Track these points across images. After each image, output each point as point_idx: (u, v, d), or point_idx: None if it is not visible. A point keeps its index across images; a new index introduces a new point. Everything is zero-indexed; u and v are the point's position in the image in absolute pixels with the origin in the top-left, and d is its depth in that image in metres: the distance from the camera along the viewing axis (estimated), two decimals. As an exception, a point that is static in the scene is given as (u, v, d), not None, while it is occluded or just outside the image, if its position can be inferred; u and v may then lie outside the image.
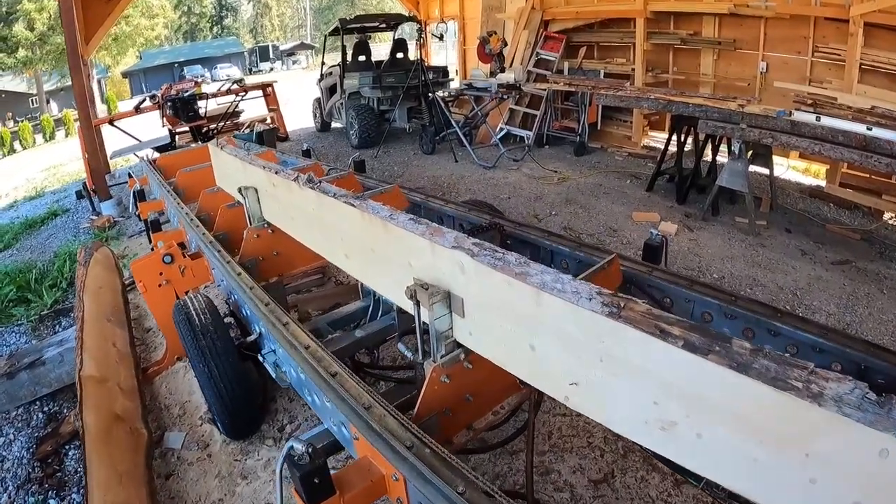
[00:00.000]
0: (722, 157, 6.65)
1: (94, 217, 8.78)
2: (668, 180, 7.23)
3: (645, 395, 1.23)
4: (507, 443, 2.41)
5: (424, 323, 1.68)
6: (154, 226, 4.50)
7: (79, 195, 9.93)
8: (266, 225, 3.28)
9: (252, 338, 2.56)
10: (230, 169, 3.71)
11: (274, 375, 2.23)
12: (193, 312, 2.72)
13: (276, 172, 2.80)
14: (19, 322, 5.85)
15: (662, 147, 7.24)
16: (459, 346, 1.69)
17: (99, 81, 32.87)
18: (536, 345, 1.39)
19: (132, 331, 4.35)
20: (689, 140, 6.80)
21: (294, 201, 2.64)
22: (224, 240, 3.68)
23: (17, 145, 22.46)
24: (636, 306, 1.27)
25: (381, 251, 1.90)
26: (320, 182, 2.35)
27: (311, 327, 2.57)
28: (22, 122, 24.00)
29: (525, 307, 1.35)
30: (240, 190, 3.30)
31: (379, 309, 2.69)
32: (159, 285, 3.58)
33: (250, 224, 3.31)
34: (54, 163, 16.82)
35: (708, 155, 6.78)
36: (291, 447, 1.44)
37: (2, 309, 6.09)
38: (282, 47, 51.10)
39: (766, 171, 6.39)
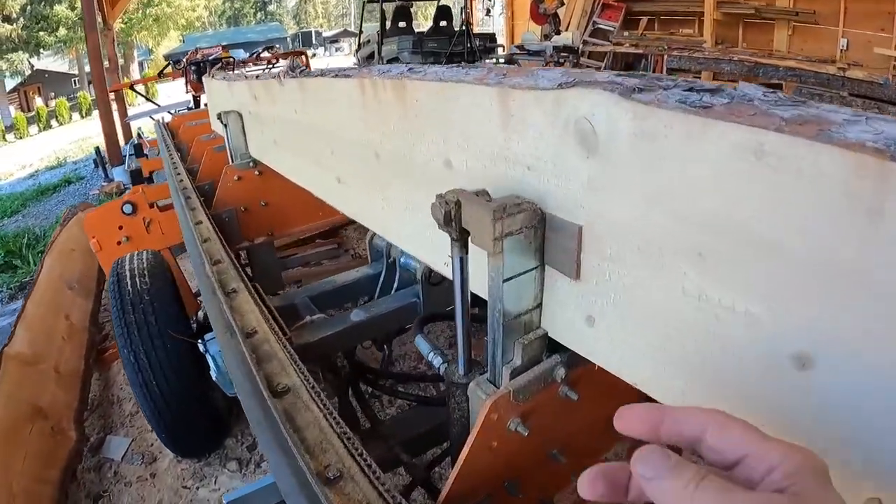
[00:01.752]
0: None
1: (105, 183, 8.16)
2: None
3: None
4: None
5: (475, 296, 0.78)
6: (135, 176, 3.70)
7: (95, 163, 9.49)
8: (252, 164, 2.41)
9: (202, 313, 1.69)
10: (218, 99, 2.85)
11: (215, 376, 1.35)
12: (128, 274, 1.86)
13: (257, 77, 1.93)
14: (0, 290, 5.23)
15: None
16: (555, 347, 0.77)
17: (141, 63, 32.98)
18: (822, 357, 0.46)
19: (99, 302, 3.55)
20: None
21: (277, 113, 1.76)
22: (209, 190, 2.84)
23: (53, 122, 22.40)
24: None
25: (393, 152, 0.99)
26: (304, 69, 1.47)
27: (281, 303, 1.68)
28: (59, 99, 23.95)
29: (821, 229, 0.42)
30: (220, 117, 2.43)
31: (395, 278, 1.78)
32: (118, 243, 2.75)
33: (231, 162, 2.45)
34: (84, 135, 16.49)
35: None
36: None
37: (-15, 275, 5.49)
38: (325, 34, 50.84)
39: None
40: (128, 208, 2.68)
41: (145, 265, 1.93)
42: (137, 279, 1.84)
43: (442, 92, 0.80)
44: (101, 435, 2.50)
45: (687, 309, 0.56)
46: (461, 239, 0.70)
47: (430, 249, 0.96)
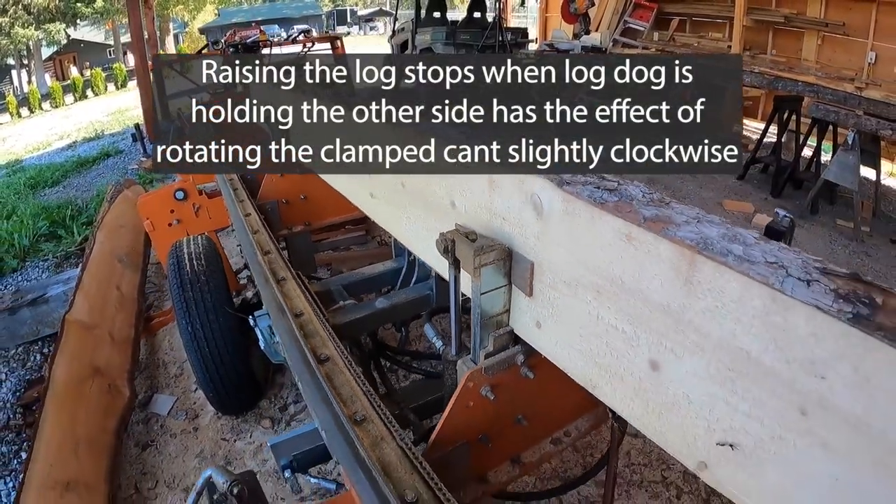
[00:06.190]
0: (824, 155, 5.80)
1: (144, 158, 8.55)
2: (761, 170, 6.40)
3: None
4: (571, 489, 1.81)
5: (465, 297, 1.08)
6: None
7: (134, 137, 9.83)
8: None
9: (253, 293, 2.02)
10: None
11: (263, 345, 1.67)
12: (186, 256, 2.19)
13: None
14: (45, 258, 5.61)
15: (752, 135, 6.45)
16: (518, 340, 1.08)
17: (176, 36, 33.34)
18: (664, 362, 0.75)
19: (146, 275, 3.92)
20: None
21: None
22: (253, 180, 3.17)
23: (89, 92, 22.86)
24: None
25: (414, 186, 1.29)
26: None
27: (320, 289, 2.00)
28: (94, 69, 24.36)
29: (659, 287, 0.72)
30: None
31: (414, 273, 2.10)
32: (169, 224, 3.09)
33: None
34: (121, 107, 16.96)
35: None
36: (210, 477, 0.87)
37: (32, 243, 5.87)
38: (360, 13, 50.82)
39: (871, 171, 5.47)
40: (179, 195, 3.02)
41: (201, 250, 2.26)
42: (195, 262, 2.18)
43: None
44: (149, 393, 2.86)
45: (591, 323, 0.86)
46: (455, 263, 1.00)
47: (438, 260, 1.26)
